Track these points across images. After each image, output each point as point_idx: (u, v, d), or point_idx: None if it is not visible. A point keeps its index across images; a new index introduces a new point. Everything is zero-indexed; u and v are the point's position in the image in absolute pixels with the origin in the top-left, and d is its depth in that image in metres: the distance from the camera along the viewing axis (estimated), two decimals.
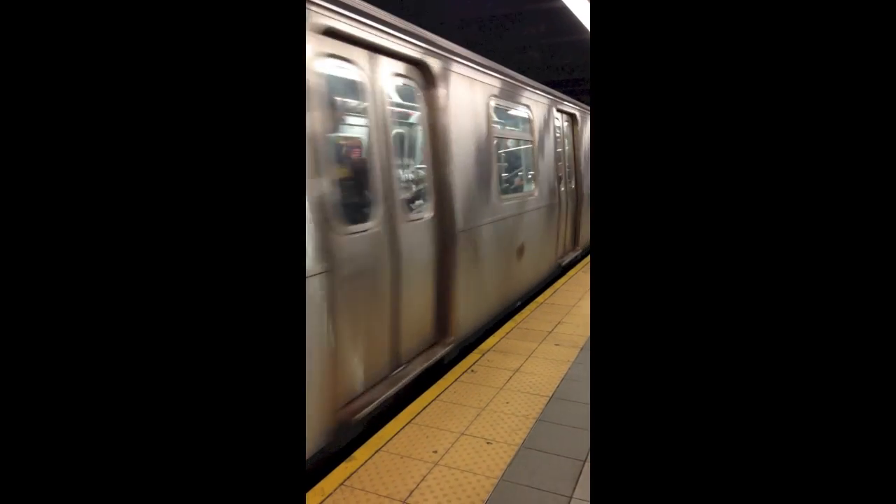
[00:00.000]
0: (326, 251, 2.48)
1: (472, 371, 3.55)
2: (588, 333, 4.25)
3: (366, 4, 2.82)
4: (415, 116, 3.60)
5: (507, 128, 5.45)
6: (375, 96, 3.00)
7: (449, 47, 3.78)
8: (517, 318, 4.73)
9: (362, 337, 2.87)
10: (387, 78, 3.12)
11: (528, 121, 5.60)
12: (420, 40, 3.37)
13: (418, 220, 3.41)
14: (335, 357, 2.57)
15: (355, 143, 3.03)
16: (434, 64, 3.54)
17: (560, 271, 6.69)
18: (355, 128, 3.05)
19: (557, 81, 12.51)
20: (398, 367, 3.26)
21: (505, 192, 4.91)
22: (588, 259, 7.41)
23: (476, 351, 3.92)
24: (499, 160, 4.83)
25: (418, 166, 3.61)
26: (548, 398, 3.12)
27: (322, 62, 2.56)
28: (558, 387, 3.27)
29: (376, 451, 2.58)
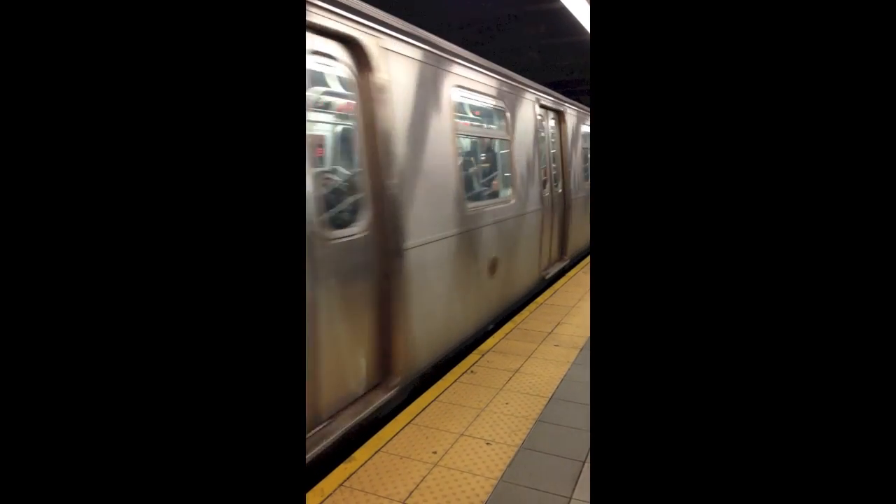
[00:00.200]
0: None
1: (472, 372, 3.55)
2: (588, 334, 4.25)
3: None
4: (345, 109, 2.86)
5: (477, 124, 4.79)
6: None
7: (394, 24, 3.05)
8: (516, 318, 4.73)
9: None
10: None
11: (504, 117, 4.86)
12: (352, 13, 2.66)
13: (346, 238, 2.69)
14: None
15: None
16: (371, 44, 2.79)
17: (544, 285, 5.98)
18: None
19: (557, 82, 12.53)
20: (317, 425, 2.53)
21: (473, 199, 4.26)
22: (576, 267, 6.95)
23: (476, 352, 3.92)
24: (464, 162, 4.19)
25: (349, 171, 2.91)
26: (547, 399, 3.12)
27: None
28: (558, 387, 3.27)
29: (376, 452, 2.57)
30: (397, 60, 3.05)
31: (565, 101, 7.04)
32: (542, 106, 6.03)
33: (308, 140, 2.41)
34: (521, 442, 2.65)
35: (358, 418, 2.70)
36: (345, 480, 2.35)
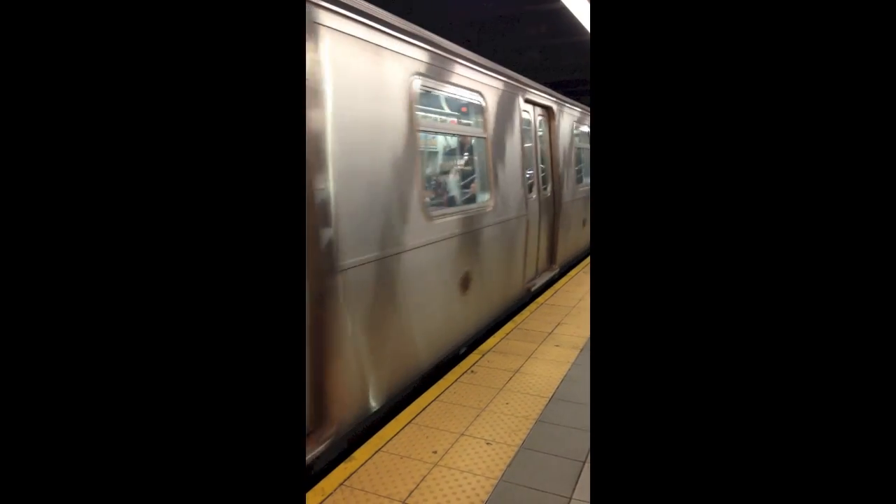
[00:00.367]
0: None
1: (472, 372, 3.55)
2: (588, 334, 4.25)
3: None
4: None
5: (444, 119, 4.24)
6: None
7: None
8: (517, 318, 4.73)
9: None
10: None
11: (481, 111, 4.27)
12: None
13: None
14: None
15: None
16: None
17: (529, 297, 5.43)
18: None
19: (558, 82, 12.52)
20: None
21: (440, 205, 3.79)
22: (566, 276, 6.38)
23: (476, 352, 3.92)
24: (429, 164, 3.80)
25: None
26: (548, 399, 3.12)
27: None
28: (558, 388, 3.27)
29: (376, 452, 2.58)
30: (334, 41, 2.49)
31: (555, 97, 6.44)
32: (528, 101, 5.45)
33: None
34: (521, 442, 2.65)
35: None
36: (345, 480, 2.35)
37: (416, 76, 3.22)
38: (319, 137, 2.40)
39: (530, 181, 5.44)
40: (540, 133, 6.02)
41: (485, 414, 2.95)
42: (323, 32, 2.42)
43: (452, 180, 4.39)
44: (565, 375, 3.45)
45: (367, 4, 2.78)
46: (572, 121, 7.13)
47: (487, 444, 2.64)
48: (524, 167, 5.10)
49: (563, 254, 6.65)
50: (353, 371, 2.66)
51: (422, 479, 2.35)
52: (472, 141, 4.47)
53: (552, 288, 5.89)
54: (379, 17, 2.85)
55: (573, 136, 7.13)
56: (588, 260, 7.41)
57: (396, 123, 2.99)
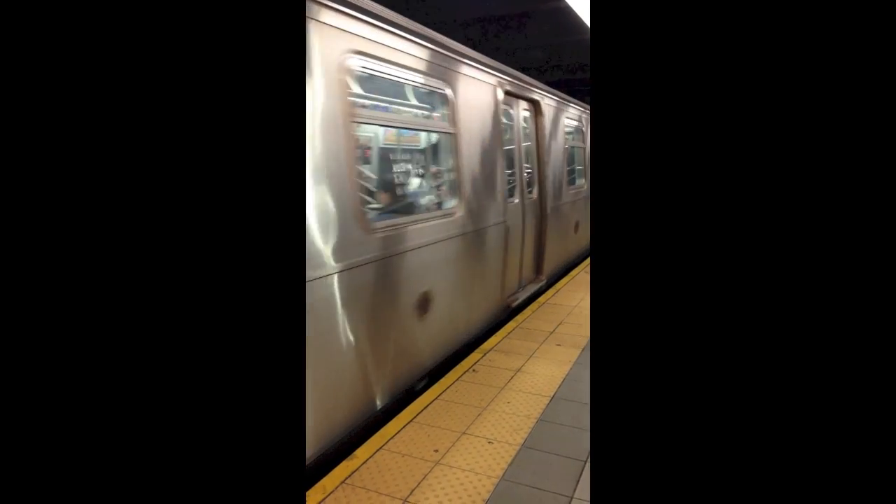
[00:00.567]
0: None
1: (474, 371, 3.55)
2: (589, 334, 4.22)
3: None
4: None
5: (396, 110, 3.52)
6: None
7: None
8: (518, 318, 4.73)
9: None
10: None
11: (448, 103, 3.58)
12: None
13: None
14: None
15: None
16: None
17: (508, 315, 4.78)
18: None
19: (560, 81, 12.50)
20: None
21: (388, 214, 3.17)
22: (553, 287, 5.83)
23: (478, 350, 3.92)
24: (373, 164, 3.27)
25: None
26: (549, 398, 3.12)
27: None
28: (560, 387, 3.27)
29: (377, 450, 2.58)
30: None
31: (542, 90, 5.71)
32: (509, 94, 4.75)
33: None
34: (522, 441, 2.65)
35: None
36: (346, 478, 2.36)
37: (353, 55, 2.61)
38: None
39: (512, 184, 4.83)
40: (525, 130, 5.34)
41: (486, 413, 2.95)
42: None
43: (408, 184, 3.56)
44: (567, 374, 3.45)
45: None
46: (562, 117, 6.46)
47: (489, 442, 2.64)
48: (503, 168, 4.46)
49: (552, 263, 5.98)
50: None
51: (423, 478, 2.35)
52: (436, 137, 3.72)
53: (553, 288, 5.87)
54: None
55: (563, 133, 6.47)
56: (581, 265, 7.25)
57: (319, 111, 2.38)
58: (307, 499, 2.21)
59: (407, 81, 3.25)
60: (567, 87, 12.02)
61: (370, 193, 3.17)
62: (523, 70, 6.11)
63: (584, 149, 7.72)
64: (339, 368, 2.59)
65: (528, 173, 5.34)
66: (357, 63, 2.67)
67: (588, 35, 9.19)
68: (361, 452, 2.56)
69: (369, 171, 3.38)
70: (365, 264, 2.68)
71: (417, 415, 2.93)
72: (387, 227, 2.88)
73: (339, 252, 2.49)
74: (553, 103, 6.09)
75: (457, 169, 3.71)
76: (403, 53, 3.04)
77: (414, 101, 3.63)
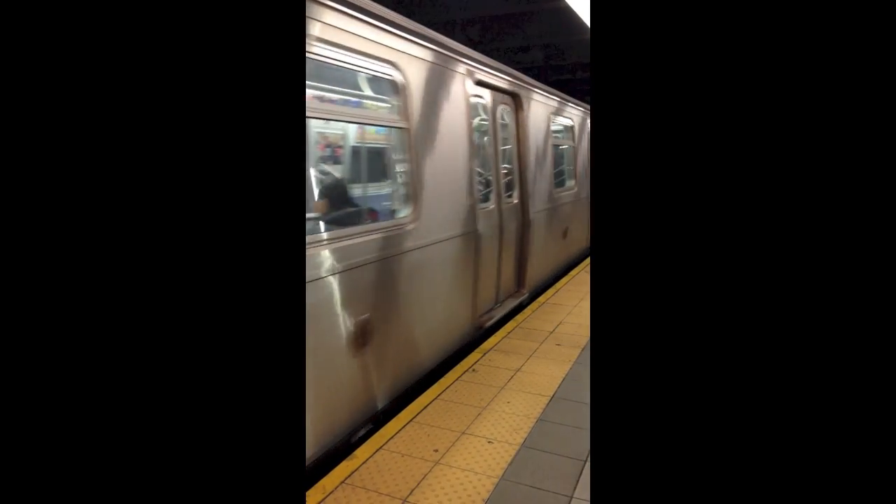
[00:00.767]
0: None
1: (474, 370, 3.55)
2: (589, 333, 4.21)
3: None
4: None
5: (332, 98, 3.16)
6: None
7: None
8: (518, 317, 4.73)
9: None
10: None
11: (398, 91, 2.99)
12: None
13: None
14: None
15: None
16: None
17: (481, 335, 4.20)
18: None
19: (561, 81, 12.50)
20: None
21: (330, 223, 2.94)
22: (537, 300, 5.26)
23: (477, 350, 3.92)
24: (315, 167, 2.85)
25: None
26: (549, 398, 3.12)
27: None
28: (560, 386, 3.27)
29: (377, 450, 2.58)
30: None
31: (525, 82, 5.09)
32: (482, 84, 4.13)
33: None
34: (522, 441, 2.65)
35: None
36: (346, 478, 2.36)
37: None
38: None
39: (485, 188, 4.33)
40: (503, 126, 4.78)
41: (486, 412, 2.96)
42: None
43: (344, 189, 3.18)
44: (567, 374, 3.45)
45: None
46: (549, 113, 5.83)
47: (489, 442, 2.64)
48: (474, 170, 3.87)
49: (536, 274, 5.37)
50: None
51: (423, 478, 2.35)
52: (384, 133, 3.25)
53: (553, 287, 5.86)
54: None
55: (549, 131, 5.81)
56: (581, 265, 7.17)
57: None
58: (307, 499, 2.22)
59: (337, 62, 2.58)
60: (567, 87, 12.01)
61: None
62: (523, 70, 6.05)
63: (575, 148, 7.10)
64: None
65: (509, 175, 4.80)
66: None
67: (588, 35, 9.19)
68: (361, 452, 2.56)
69: None
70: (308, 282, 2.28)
71: (417, 415, 2.93)
72: (314, 244, 2.38)
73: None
74: (538, 98, 5.43)
75: (410, 170, 3.07)
76: (332, 28, 2.47)
77: (347, 88, 3.17)
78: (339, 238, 2.57)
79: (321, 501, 2.21)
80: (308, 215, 2.88)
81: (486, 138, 4.40)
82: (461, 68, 3.76)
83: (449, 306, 3.64)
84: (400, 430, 2.78)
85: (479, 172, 4.14)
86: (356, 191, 3.61)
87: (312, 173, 3.29)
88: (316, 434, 2.46)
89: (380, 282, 2.84)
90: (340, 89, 3.20)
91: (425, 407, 3.03)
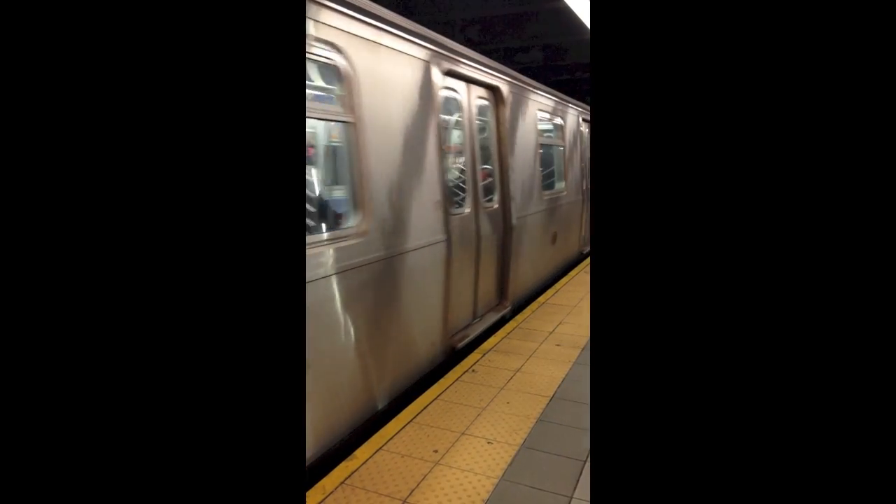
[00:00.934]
0: None
1: (473, 371, 3.55)
2: (589, 334, 4.22)
3: None
4: None
5: None
6: None
7: None
8: (518, 318, 4.73)
9: None
10: None
11: (341, 79, 2.60)
12: None
13: None
14: None
15: None
16: None
17: (455, 356, 3.74)
18: None
19: (561, 81, 12.50)
20: None
21: None
22: (522, 312, 4.86)
23: (477, 351, 3.92)
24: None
25: None
26: (549, 398, 3.12)
27: None
28: (559, 387, 3.27)
29: (377, 451, 2.58)
30: None
31: (505, 75, 4.59)
32: (453, 74, 3.68)
33: None
34: (522, 441, 2.65)
35: None
36: (346, 478, 2.36)
37: None
38: None
39: (459, 192, 3.91)
40: (481, 122, 4.34)
41: (486, 413, 2.95)
42: None
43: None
44: (567, 375, 3.45)
45: None
46: (535, 109, 5.38)
47: (488, 443, 2.64)
48: (443, 171, 3.40)
49: (520, 284, 4.92)
50: None
51: (423, 478, 2.35)
52: (323, 127, 2.96)
53: (552, 288, 5.85)
54: None
55: (536, 128, 5.38)
56: (580, 265, 7.12)
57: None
58: (306, 499, 2.21)
59: None
60: (567, 87, 12.02)
61: None
62: (522, 71, 5.99)
63: (565, 147, 6.63)
64: None
65: (489, 177, 4.38)
66: None
67: (588, 35, 9.20)
68: (361, 453, 2.56)
69: None
70: None
71: (417, 415, 2.93)
72: None
73: None
74: (522, 93, 4.95)
75: (358, 172, 2.66)
76: None
77: None
78: (314, 246, 2.32)
79: (321, 502, 2.20)
80: None
81: (455, 136, 3.96)
82: (423, 55, 3.25)
83: (411, 329, 3.14)
84: (400, 430, 2.78)
85: (455, 174, 3.78)
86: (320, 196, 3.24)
87: None
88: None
89: (315, 308, 2.37)
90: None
91: (425, 407, 3.03)
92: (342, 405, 2.62)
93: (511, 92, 4.69)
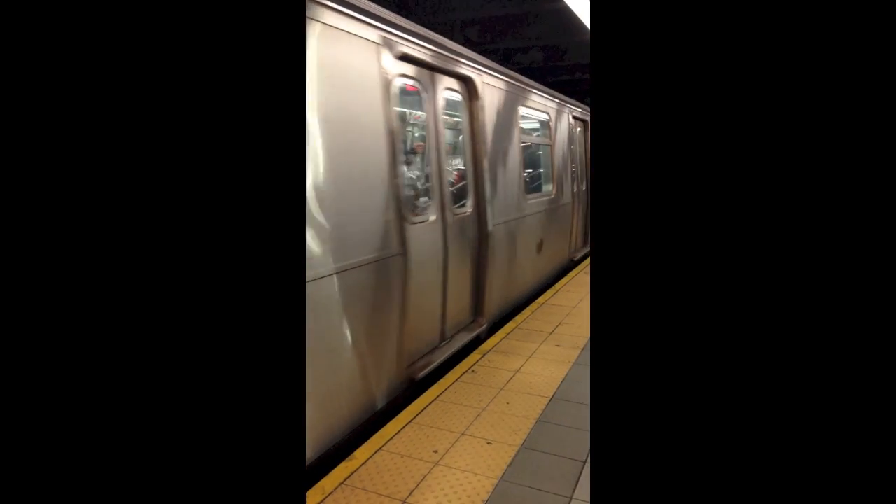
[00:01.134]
0: None
1: (473, 371, 3.55)
2: (589, 334, 4.22)
3: None
4: None
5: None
6: None
7: None
8: (518, 318, 4.73)
9: None
10: None
11: None
12: None
13: None
14: None
15: None
16: None
17: (415, 388, 3.23)
18: None
19: (560, 81, 12.49)
20: None
21: None
22: (501, 331, 4.37)
23: (477, 351, 3.92)
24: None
25: None
26: (548, 399, 3.12)
27: None
28: (559, 387, 3.27)
29: (377, 451, 2.58)
30: None
31: (479, 64, 4.05)
32: (410, 60, 3.13)
33: None
34: (521, 442, 2.65)
35: None
36: (345, 479, 2.35)
37: None
38: None
39: (421, 197, 3.42)
40: (449, 118, 3.84)
41: (485, 413, 2.95)
42: None
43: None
44: (566, 375, 3.45)
45: None
46: (517, 104, 4.88)
47: (488, 443, 2.64)
48: (394, 174, 2.87)
49: (498, 298, 4.42)
50: None
51: (422, 479, 2.35)
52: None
53: (552, 288, 5.84)
54: None
55: (519, 126, 4.89)
56: (580, 266, 7.07)
57: None
58: (306, 499, 2.21)
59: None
60: (567, 87, 12.01)
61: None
62: (522, 71, 5.93)
63: (553, 146, 6.15)
64: None
65: (462, 180, 3.97)
66: None
67: (587, 36, 9.19)
68: (360, 453, 2.56)
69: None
70: None
71: (417, 416, 2.93)
72: None
73: None
74: (499, 85, 4.43)
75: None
76: None
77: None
78: None
79: (321, 502, 2.20)
80: None
81: (413, 132, 3.48)
82: (372, 35, 2.70)
83: (345, 366, 2.61)
84: (399, 430, 2.77)
85: (415, 178, 3.29)
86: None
87: None
88: None
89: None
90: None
91: (425, 408, 3.03)
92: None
93: (487, 84, 4.14)
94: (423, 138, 3.51)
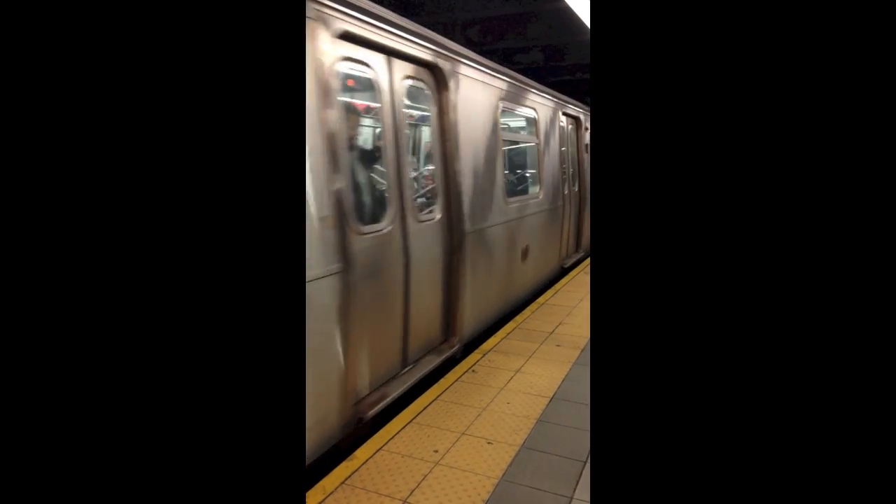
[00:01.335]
0: None
1: (474, 371, 3.55)
2: (589, 334, 4.20)
3: None
4: None
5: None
6: None
7: None
8: (518, 318, 4.73)
9: None
10: None
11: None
12: None
13: None
14: None
15: None
16: None
17: (367, 432, 2.77)
18: None
19: (560, 82, 12.49)
20: None
21: None
22: (475, 353, 3.83)
23: (477, 351, 3.92)
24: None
25: None
26: (549, 399, 3.12)
27: None
28: (559, 387, 3.27)
29: (377, 451, 2.58)
30: None
31: (448, 50, 3.49)
32: (355, 40, 2.66)
33: None
34: (522, 441, 2.65)
35: None
36: (346, 478, 2.36)
37: None
38: None
39: (383, 203, 3.01)
40: (411, 111, 3.42)
41: (486, 413, 2.95)
42: None
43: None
44: (566, 375, 3.45)
45: None
46: (496, 98, 4.32)
47: (488, 443, 2.64)
48: (336, 175, 2.41)
49: (475, 314, 3.93)
50: None
51: (423, 478, 2.35)
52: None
53: (552, 289, 5.83)
54: None
55: (499, 122, 4.36)
56: (580, 266, 7.00)
57: None
58: (307, 499, 2.21)
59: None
60: (567, 87, 12.02)
61: None
62: (521, 71, 5.90)
63: (539, 146, 5.56)
64: None
65: (431, 183, 3.55)
66: None
67: (588, 36, 9.19)
68: (361, 453, 2.56)
69: None
70: None
71: (417, 415, 2.93)
72: None
73: None
74: (474, 75, 3.85)
75: None
76: None
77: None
78: None
79: (321, 502, 2.20)
80: None
81: (369, 128, 3.12)
82: (313, 11, 2.31)
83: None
84: (400, 430, 2.78)
85: (364, 180, 2.93)
86: None
87: None
88: None
89: None
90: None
91: (425, 408, 3.03)
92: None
93: (458, 73, 3.57)
94: (380, 136, 3.01)
